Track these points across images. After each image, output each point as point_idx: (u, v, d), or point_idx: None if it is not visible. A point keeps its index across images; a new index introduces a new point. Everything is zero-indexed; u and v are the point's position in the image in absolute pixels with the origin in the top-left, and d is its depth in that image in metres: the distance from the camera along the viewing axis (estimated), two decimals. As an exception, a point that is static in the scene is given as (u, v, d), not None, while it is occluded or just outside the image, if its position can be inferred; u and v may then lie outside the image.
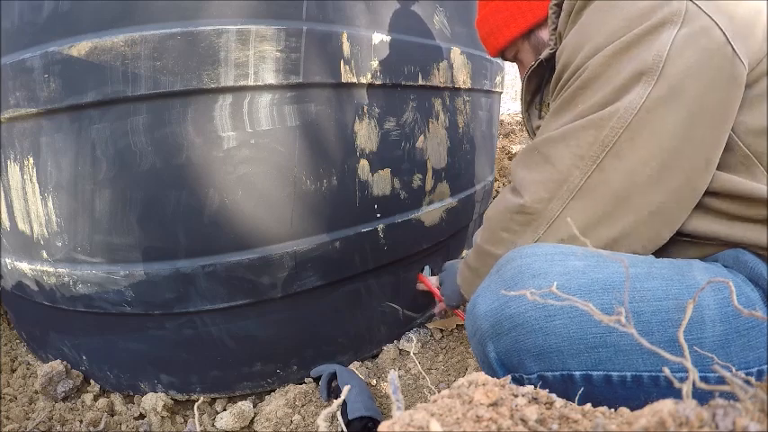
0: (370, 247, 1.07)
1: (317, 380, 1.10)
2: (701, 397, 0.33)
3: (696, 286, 0.56)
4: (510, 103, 3.18)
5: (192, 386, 1.05)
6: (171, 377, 1.04)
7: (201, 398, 1.06)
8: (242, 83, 0.84)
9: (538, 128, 0.90)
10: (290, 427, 0.98)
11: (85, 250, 0.93)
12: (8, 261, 1.05)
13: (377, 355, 1.21)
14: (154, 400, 1.03)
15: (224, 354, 1.02)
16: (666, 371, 0.29)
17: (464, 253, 1.52)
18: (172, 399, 1.05)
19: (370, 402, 0.92)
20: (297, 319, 1.05)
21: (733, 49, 0.56)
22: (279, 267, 0.96)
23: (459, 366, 1.16)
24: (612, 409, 0.36)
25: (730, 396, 0.27)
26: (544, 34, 0.84)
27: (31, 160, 0.90)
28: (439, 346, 1.24)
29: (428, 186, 1.18)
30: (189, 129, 0.85)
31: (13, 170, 0.93)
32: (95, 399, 1.08)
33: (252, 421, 1.02)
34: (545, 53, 0.80)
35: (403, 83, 1.04)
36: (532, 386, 0.37)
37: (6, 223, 1.00)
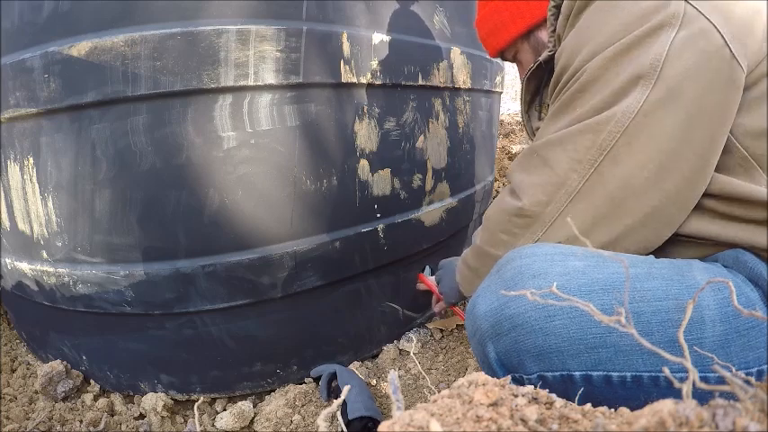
0: (370, 247, 1.07)
1: (317, 380, 1.10)
2: (701, 397, 0.33)
3: (696, 286, 0.56)
4: (510, 103, 3.18)
5: (191, 386, 1.05)
6: (171, 377, 1.04)
7: (201, 398, 1.06)
8: (242, 83, 0.84)
9: (538, 129, 0.90)
10: (290, 427, 0.98)
11: (85, 250, 0.93)
12: (8, 261, 1.05)
13: (377, 355, 1.21)
14: (154, 400, 1.03)
15: (224, 354, 1.02)
16: (666, 371, 0.29)
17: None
18: (172, 399, 1.05)
19: (370, 402, 0.92)
20: (297, 319, 1.05)
21: (731, 51, 0.56)
22: (279, 267, 0.96)
23: (459, 366, 1.16)
24: (612, 410, 0.36)
25: (730, 396, 0.27)
26: (543, 35, 0.83)
27: (31, 160, 0.90)
28: (439, 346, 1.24)
29: (428, 186, 1.18)
30: (189, 129, 0.85)
31: (13, 170, 0.93)
32: (95, 399, 1.08)
33: (252, 421, 1.02)
34: (544, 55, 0.80)
35: (403, 83, 1.04)
36: (532, 386, 0.37)
37: (6, 223, 1.01)
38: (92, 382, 1.11)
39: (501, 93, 1.63)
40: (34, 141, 0.89)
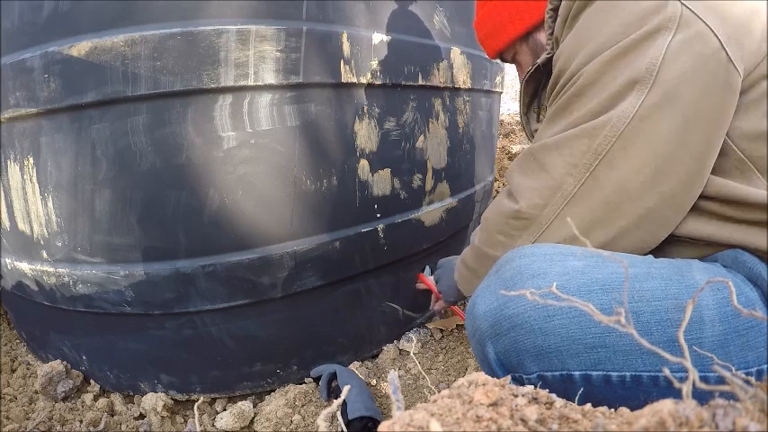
0: (370, 247, 1.07)
1: (317, 380, 1.10)
2: (701, 397, 0.33)
3: (695, 286, 0.56)
4: (510, 103, 3.18)
5: (191, 386, 1.05)
6: (171, 377, 1.04)
7: (201, 398, 1.06)
8: (242, 83, 0.84)
9: (536, 131, 0.90)
10: (290, 427, 0.98)
11: (85, 250, 0.93)
12: (8, 261, 1.05)
13: (377, 355, 1.21)
14: (154, 400, 1.03)
15: (224, 354, 1.02)
16: (666, 371, 0.29)
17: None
18: (172, 399, 1.05)
19: (370, 402, 0.92)
20: (297, 319, 1.05)
21: (727, 54, 0.57)
22: (279, 267, 0.96)
23: (459, 366, 1.16)
24: (612, 409, 0.36)
25: (730, 396, 0.27)
26: (542, 37, 0.83)
27: (31, 160, 0.90)
28: (439, 346, 1.24)
29: (428, 186, 1.18)
30: (189, 129, 0.85)
31: (13, 170, 0.93)
32: (95, 399, 1.08)
33: (252, 421, 1.02)
34: (542, 57, 0.80)
35: (403, 83, 1.04)
36: (532, 386, 0.37)
37: (6, 223, 1.01)
38: (92, 382, 1.11)
39: (501, 93, 1.63)
40: (34, 141, 0.89)
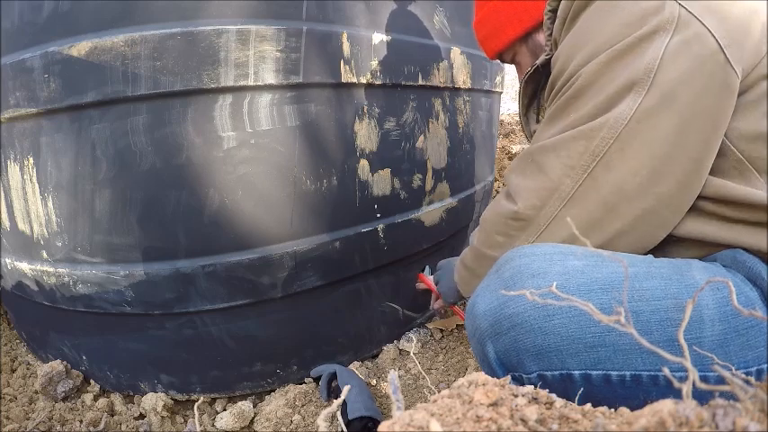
0: (370, 247, 1.07)
1: (317, 380, 1.10)
2: (701, 396, 0.33)
3: (695, 285, 0.56)
4: (510, 103, 3.18)
5: (191, 386, 1.05)
6: (171, 377, 1.04)
7: (201, 398, 1.06)
8: (242, 83, 0.84)
9: (536, 132, 0.90)
10: (290, 427, 0.99)
11: (85, 250, 0.93)
12: (8, 261, 1.05)
13: (377, 355, 1.21)
14: (154, 400, 1.03)
15: (224, 354, 1.02)
16: (666, 371, 0.29)
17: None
18: (172, 399, 1.05)
19: (370, 402, 0.92)
20: (297, 319, 1.05)
21: (725, 56, 0.57)
22: (279, 267, 0.96)
23: (459, 366, 1.16)
24: (612, 409, 0.36)
25: (730, 396, 0.27)
26: (541, 38, 0.84)
27: (31, 160, 0.90)
28: (439, 346, 1.24)
29: (428, 186, 1.18)
30: (189, 129, 0.85)
31: (13, 170, 0.93)
32: (95, 399, 1.08)
33: (252, 421, 1.02)
34: (541, 59, 0.80)
35: (403, 83, 1.04)
36: (532, 386, 0.37)
37: (6, 223, 1.01)
38: (92, 382, 1.11)
39: (501, 93, 1.63)
40: (34, 141, 0.89)
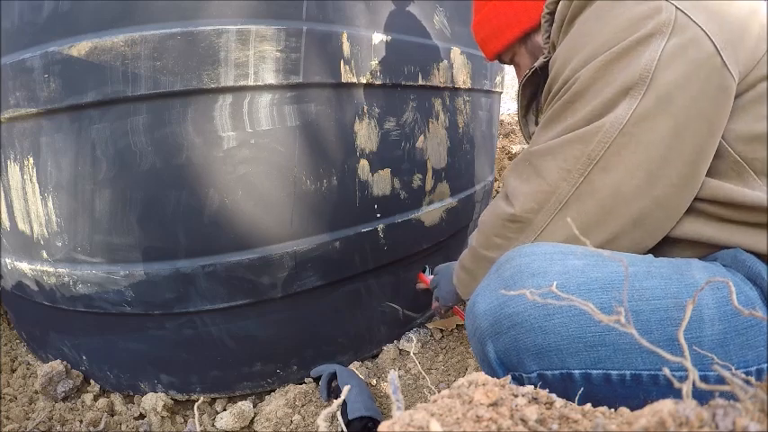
0: (370, 247, 1.07)
1: (317, 380, 1.10)
2: (701, 396, 0.33)
3: (695, 285, 0.56)
4: (510, 103, 3.18)
5: (191, 386, 1.05)
6: (171, 377, 1.04)
7: (201, 398, 1.06)
8: (242, 83, 0.84)
9: (533, 134, 0.90)
10: (290, 427, 0.99)
11: (85, 250, 0.93)
12: (8, 261, 1.05)
13: (377, 355, 1.21)
14: (154, 400, 1.03)
15: (224, 354, 1.02)
16: (666, 371, 0.29)
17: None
18: (172, 399, 1.05)
19: (370, 402, 0.92)
20: (297, 319, 1.05)
21: (722, 59, 0.57)
22: (279, 267, 0.96)
23: (459, 366, 1.16)
24: (612, 409, 0.36)
25: (730, 396, 0.27)
26: (540, 39, 0.84)
27: (31, 160, 0.90)
28: (439, 346, 1.24)
29: (428, 186, 1.18)
30: (189, 129, 0.85)
31: (13, 170, 0.93)
32: (95, 399, 1.08)
33: (252, 421, 1.02)
34: (539, 61, 0.80)
35: (403, 83, 1.04)
36: (532, 386, 0.37)
37: (6, 223, 1.01)
38: (92, 382, 1.11)
39: (501, 93, 1.63)
40: (34, 141, 0.89)
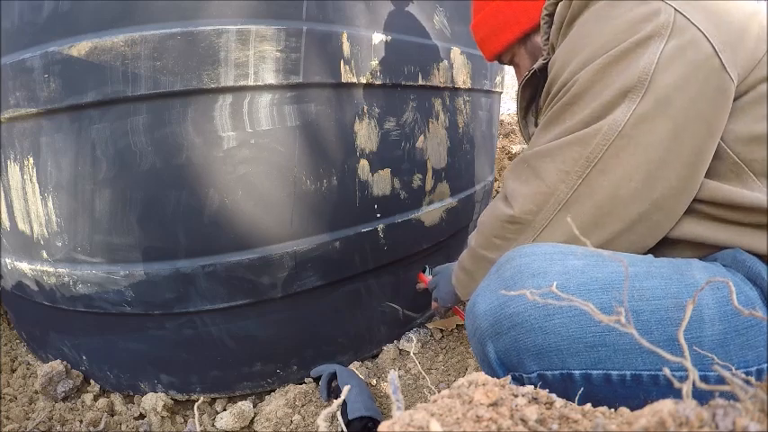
0: (370, 247, 1.07)
1: (317, 380, 1.10)
2: (701, 396, 0.33)
3: (695, 285, 0.56)
4: (510, 103, 3.18)
5: (191, 386, 1.05)
6: (171, 377, 1.04)
7: (201, 398, 1.06)
8: (242, 83, 0.84)
9: (533, 135, 0.90)
10: (290, 427, 0.99)
11: (85, 250, 0.93)
12: (8, 261, 1.05)
13: (377, 355, 1.21)
14: (154, 400, 1.03)
15: (224, 354, 1.02)
16: (666, 371, 0.29)
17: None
18: (172, 399, 1.05)
19: (370, 402, 0.92)
20: (297, 319, 1.05)
21: (721, 61, 0.57)
22: (279, 267, 0.96)
23: (459, 366, 1.16)
24: (612, 409, 0.36)
25: (730, 396, 0.27)
26: (539, 40, 0.84)
27: (31, 160, 0.90)
28: (439, 346, 1.24)
29: (428, 186, 1.18)
30: (189, 129, 0.85)
31: (13, 170, 0.93)
32: (95, 399, 1.08)
33: (252, 421, 1.02)
34: (538, 63, 0.80)
35: (403, 83, 1.04)
36: (532, 386, 0.37)
37: (6, 223, 1.01)
38: (92, 382, 1.11)
39: (501, 93, 1.63)
40: (34, 141, 0.89)
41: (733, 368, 0.36)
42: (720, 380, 0.53)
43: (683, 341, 0.29)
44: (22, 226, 0.97)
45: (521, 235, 0.69)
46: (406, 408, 0.82)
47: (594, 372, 0.57)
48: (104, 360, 1.07)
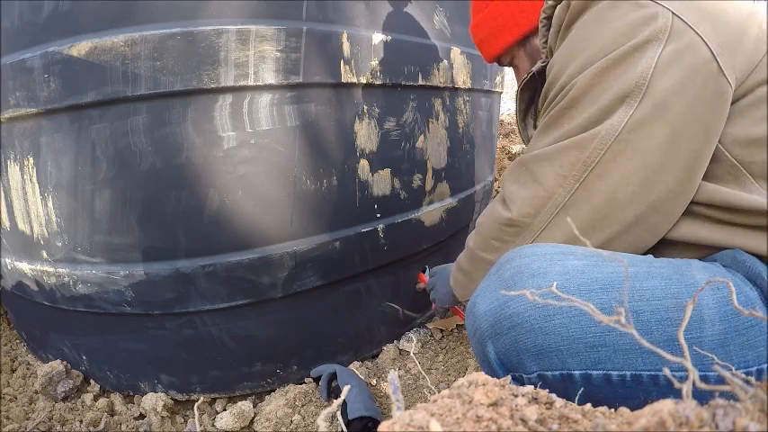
0: (370, 247, 1.07)
1: (317, 380, 1.10)
2: (701, 396, 0.33)
3: (695, 285, 0.56)
4: (510, 104, 3.18)
5: (191, 386, 1.05)
6: (171, 377, 1.04)
7: (201, 398, 1.06)
8: (242, 83, 0.84)
9: (531, 138, 0.90)
10: (290, 427, 0.99)
11: (85, 250, 0.93)
12: (8, 261, 1.05)
13: (377, 355, 1.21)
14: (154, 400, 1.03)
15: (224, 354, 1.02)
16: (666, 371, 0.29)
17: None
18: (172, 399, 1.05)
19: (370, 402, 0.92)
20: (297, 319, 1.05)
21: (719, 65, 0.57)
22: (279, 267, 0.96)
23: (459, 366, 1.16)
24: (612, 409, 0.36)
25: (730, 396, 0.27)
26: (538, 42, 0.84)
27: (31, 160, 0.90)
28: (439, 346, 1.24)
29: (428, 186, 1.18)
30: (189, 129, 0.85)
31: (13, 170, 0.93)
32: (95, 399, 1.08)
33: (252, 421, 1.02)
34: (537, 66, 0.80)
35: (403, 83, 1.04)
36: (532, 386, 0.37)
37: (6, 223, 1.01)
38: (92, 382, 1.11)
39: (501, 93, 1.63)
40: (34, 141, 0.89)
41: (733, 368, 0.36)
42: (720, 380, 0.53)
43: (683, 341, 0.29)
44: (22, 226, 0.97)
45: (518, 237, 0.69)
46: (406, 408, 0.82)
47: (594, 372, 0.57)
48: (104, 360, 1.07)
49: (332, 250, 1.01)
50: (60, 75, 0.82)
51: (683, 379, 0.30)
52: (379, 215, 1.07)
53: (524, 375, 0.60)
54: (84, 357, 1.09)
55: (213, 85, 0.83)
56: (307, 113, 0.92)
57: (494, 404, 0.33)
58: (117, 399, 1.08)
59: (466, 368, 1.14)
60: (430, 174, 1.17)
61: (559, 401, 0.35)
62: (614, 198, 0.61)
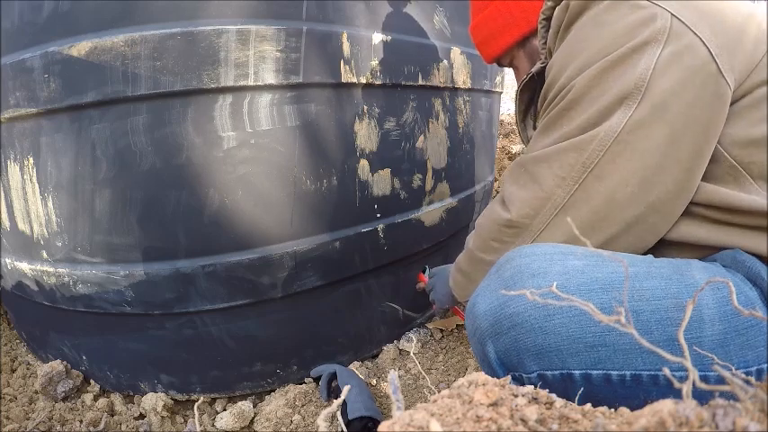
0: (370, 247, 1.07)
1: (317, 380, 1.10)
2: (701, 396, 0.33)
3: (695, 285, 0.56)
4: (510, 104, 3.17)
5: (191, 386, 1.05)
6: (171, 377, 1.04)
7: (201, 398, 1.06)
8: (242, 83, 0.84)
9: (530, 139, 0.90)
10: (290, 427, 0.99)
11: (85, 250, 0.93)
12: (8, 261, 1.05)
13: (377, 355, 1.21)
14: (154, 400, 1.03)
15: (224, 354, 1.02)
16: (666, 371, 0.29)
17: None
18: (172, 399, 1.05)
19: (370, 402, 0.92)
20: (297, 319, 1.05)
21: (717, 66, 0.57)
22: (279, 267, 0.96)
23: (459, 366, 1.16)
24: (612, 409, 0.36)
25: (730, 396, 0.27)
26: (538, 43, 0.84)
27: (31, 160, 0.90)
28: (439, 346, 1.24)
29: (428, 186, 1.18)
30: (189, 129, 0.85)
31: (13, 170, 0.93)
32: (95, 399, 1.08)
33: (252, 421, 1.02)
34: (536, 67, 0.81)
35: (403, 83, 1.04)
36: (532, 386, 0.37)
37: (6, 223, 1.01)
38: (92, 382, 1.11)
39: (501, 93, 1.63)
40: (34, 141, 0.89)
41: (733, 368, 0.36)
42: (720, 380, 0.53)
43: (682, 341, 0.29)
44: (22, 226, 0.97)
45: (518, 238, 0.69)
46: (406, 408, 0.82)
47: (594, 372, 0.57)
48: (104, 360, 1.07)
49: (332, 250, 1.01)
50: (60, 75, 0.82)
51: (682, 379, 0.30)
52: (379, 215, 1.07)
53: (524, 375, 0.60)
54: (84, 357, 1.09)
55: (213, 85, 0.83)
56: (307, 113, 0.92)
57: (494, 404, 0.33)
58: (117, 399, 1.08)
59: (466, 368, 1.14)
60: (430, 174, 1.17)
61: (559, 401, 0.35)
62: (613, 199, 0.61)
